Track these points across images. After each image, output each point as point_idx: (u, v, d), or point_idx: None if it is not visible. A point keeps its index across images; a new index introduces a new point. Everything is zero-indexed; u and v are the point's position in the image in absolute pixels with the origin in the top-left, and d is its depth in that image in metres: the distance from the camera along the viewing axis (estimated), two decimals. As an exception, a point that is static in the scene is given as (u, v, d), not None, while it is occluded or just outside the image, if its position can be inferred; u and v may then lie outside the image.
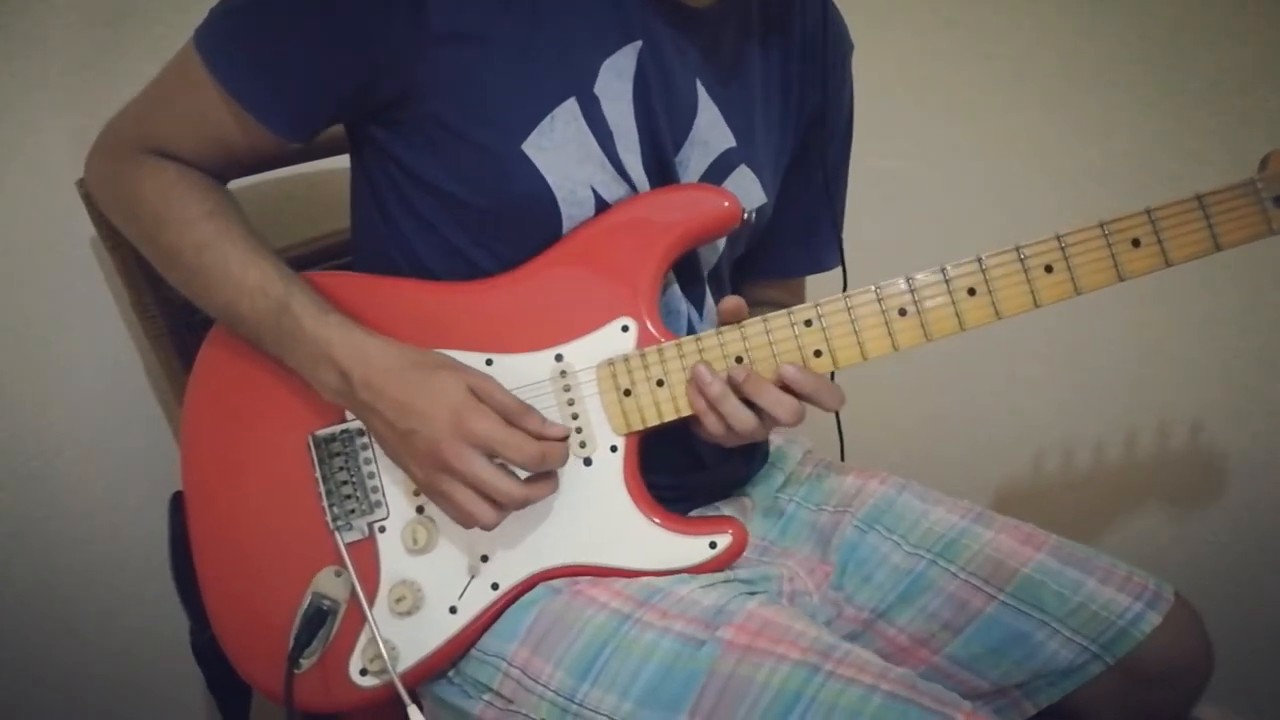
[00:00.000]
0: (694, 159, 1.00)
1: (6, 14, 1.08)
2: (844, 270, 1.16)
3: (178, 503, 1.01)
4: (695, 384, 0.91)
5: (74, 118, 1.10)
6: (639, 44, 0.93)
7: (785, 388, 0.91)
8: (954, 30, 1.49)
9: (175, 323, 1.12)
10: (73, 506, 1.20)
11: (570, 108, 0.91)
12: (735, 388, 0.91)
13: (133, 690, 1.28)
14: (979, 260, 0.91)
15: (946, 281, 0.92)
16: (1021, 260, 0.91)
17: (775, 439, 1.23)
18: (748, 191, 1.04)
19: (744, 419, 0.91)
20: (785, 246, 1.20)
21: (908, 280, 0.92)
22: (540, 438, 0.88)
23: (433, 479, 0.87)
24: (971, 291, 0.91)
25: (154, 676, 1.27)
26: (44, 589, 1.18)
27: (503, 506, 0.87)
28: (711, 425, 0.92)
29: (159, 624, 1.03)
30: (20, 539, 1.16)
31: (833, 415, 1.28)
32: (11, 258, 1.13)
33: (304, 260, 1.21)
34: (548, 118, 0.90)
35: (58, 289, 1.17)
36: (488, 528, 0.87)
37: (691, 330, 1.02)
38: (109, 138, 0.98)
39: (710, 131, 1.00)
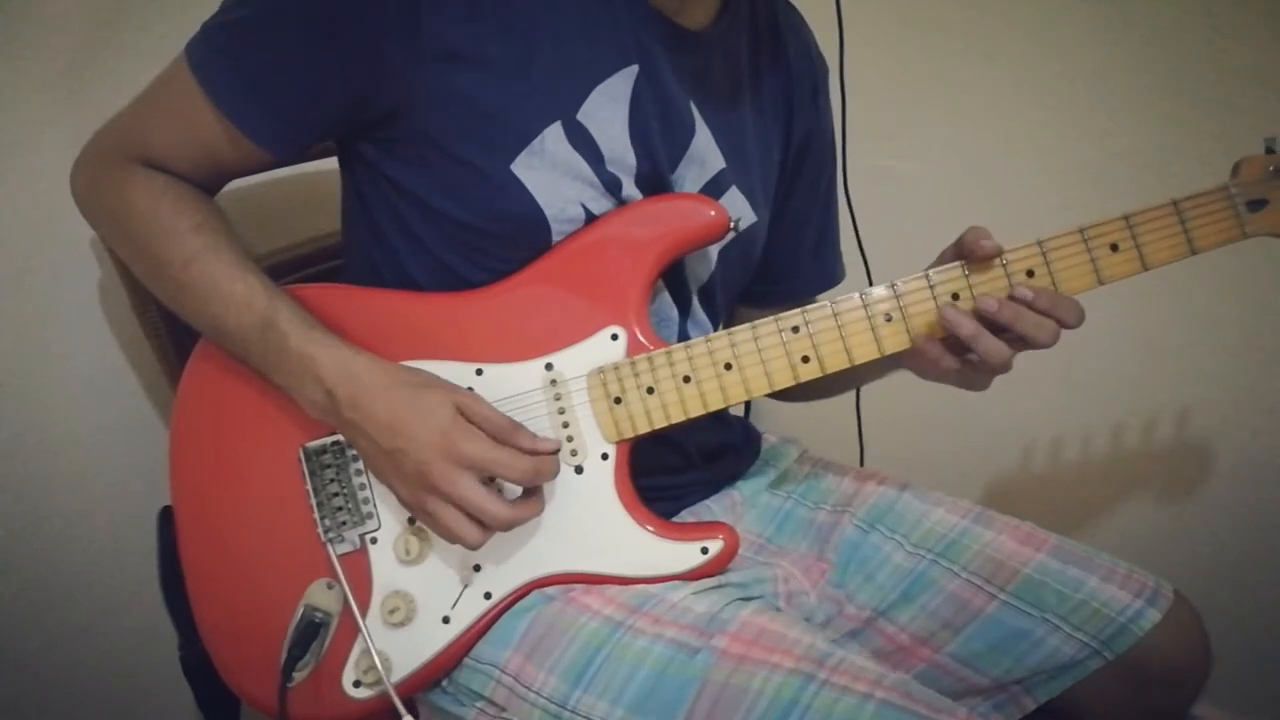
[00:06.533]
0: (690, 176, 1.00)
1: (7, 15, 1.08)
2: (867, 267, 1.15)
3: (166, 517, 1.00)
4: (946, 326, 0.90)
5: (74, 118, 1.10)
6: (635, 68, 0.93)
7: (1031, 308, 0.89)
8: (954, 30, 1.49)
9: (174, 323, 1.11)
10: (73, 506, 1.21)
11: (555, 131, 0.90)
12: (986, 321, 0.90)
13: (132, 690, 1.28)
14: (962, 266, 0.92)
15: (931, 288, 0.92)
16: (1004, 266, 0.91)
17: (770, 437, 1.23)
18: (738, 212, 1.04)
19: (999, 351, 0.89)
20: (805, 266, 1.21)
21: (892, 286, 0.93)
22: (532, 453, 0.87)
23: (419, 499, 0.87)
24: (955, 297, 0.92)
25: (154, 676, 1.28)
26: (44, 589, 1.18)
27: (489, 528, 0.87)
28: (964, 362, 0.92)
29: (159, 624, 1.03)
30: (20, 539, 1.16)
31: (832, 416, 1.29)
32: (12, 258, 1.13)
33: (302, 260, 1.22)
34: (537, 138, 0.90)
35: (58, 289, 1.17)
36: (473, 548, 0.87)
37: (683, 337, 1.02)
38: (96, 147, 0.97)
39: (706, 152, 1.01)
